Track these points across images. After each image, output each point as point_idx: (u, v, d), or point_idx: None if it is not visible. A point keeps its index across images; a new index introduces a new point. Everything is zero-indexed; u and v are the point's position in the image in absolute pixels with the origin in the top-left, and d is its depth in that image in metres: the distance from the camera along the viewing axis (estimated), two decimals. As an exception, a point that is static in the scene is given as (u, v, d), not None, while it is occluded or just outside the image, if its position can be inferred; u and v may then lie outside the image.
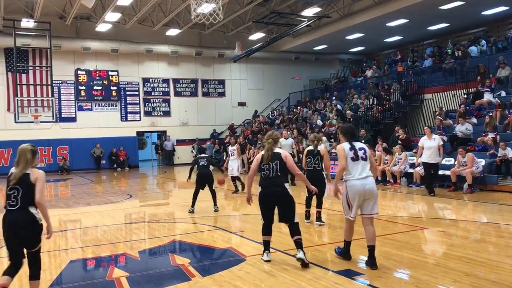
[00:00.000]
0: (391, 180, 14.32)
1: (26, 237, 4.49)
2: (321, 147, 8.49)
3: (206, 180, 10.36)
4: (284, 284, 5.13)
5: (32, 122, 22.47)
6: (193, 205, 10.26)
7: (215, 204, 10.43)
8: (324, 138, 15.12)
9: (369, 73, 26.50)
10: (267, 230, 6.06)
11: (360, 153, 5.69)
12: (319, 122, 21.99)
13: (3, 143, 23.35)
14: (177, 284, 5.32)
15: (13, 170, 4.65)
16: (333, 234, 7.79)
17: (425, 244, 6.76)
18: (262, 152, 6.11)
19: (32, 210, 4.51)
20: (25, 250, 4.56)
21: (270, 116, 28.44)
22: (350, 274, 5.37)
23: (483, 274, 5.29)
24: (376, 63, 27.70)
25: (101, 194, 15.45)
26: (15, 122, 23.02)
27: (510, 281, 4.97)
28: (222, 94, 29.72)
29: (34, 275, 4.59)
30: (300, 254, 5.66)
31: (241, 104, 30.25)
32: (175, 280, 5.48)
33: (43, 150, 24.21)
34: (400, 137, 15.73)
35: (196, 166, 10.50)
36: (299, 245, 5.76)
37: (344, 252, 5.99)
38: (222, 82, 29.68)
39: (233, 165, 13.46)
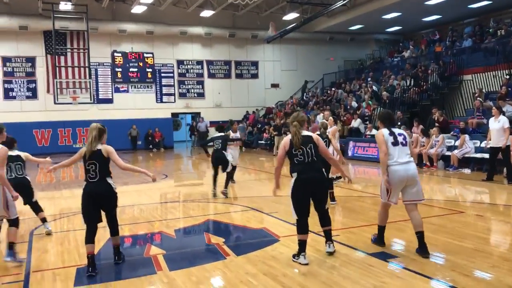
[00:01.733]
0: (428, 163, 14.05)
1: (106, 203, 5.36)
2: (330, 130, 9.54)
3: (219, 163, 10.24)
4: (317, 264, 5.16)
5: (71, 103, 23.11)
6: (214, 187, 10.22)
7: (225, 187, 10.07)
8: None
9: (406, 53, 25.86)
10: (304, 226, 5.34)
11: (400, 139, 5.51)
12: (354, 104, 21.70)
13: (44, 124, 24.17)
14: (212, 262, 5.43)
15: (85, 147, 5.30)
16: (366, 216, 7.74)
17: (461, 228, 6.64)
18: (289, 137, 5.46)
19: (109, 180, 5.34)
20: (103, 215, 5.44)
21: (304, 98, 28.24)
22: (384, 256, 5.34)
23: (522, 259, 5.17)
24: (414, 43, 26.96)
25: (138, 174, 15.78)
26: (55, 103, 23.68)
27: (551, 267, 4.84)
28: (255, 76, 29.66)
29: (114, 231, 5.54)
30: (330, 248, 5.51)
31: (274, 85, 30.13)
32: (210, 259, 5.59)
33: (81, 130, 24.85)
34: (437, 119, 15.36)
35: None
36: (329, 236, 5.56)
37: (379, 239, 5.82)
38: (255, 64, 29.59)
39: (235, 154, 11.62)
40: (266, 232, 6.84)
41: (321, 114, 21.01)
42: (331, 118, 11.96)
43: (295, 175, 5.35)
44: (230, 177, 10.51)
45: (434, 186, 11.42)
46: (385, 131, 5.57)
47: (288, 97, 29.28)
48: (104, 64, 25.85)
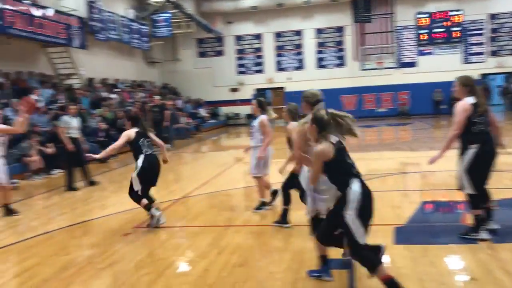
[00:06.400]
0: None
1: None
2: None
3: None
4: None
5: (376, 69, 23.87)
6: None
7: None
8: None
9: None
10: (484, 197, 5.05)
11: None
12: None
13: (350, 90, 25.74)
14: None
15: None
16: None
17: None
18: (472, 101, 4.82)
19: None
20: None
21: None
22: None
23: None
24: None
25: (442, 139, 15.27)
26: (361, 69, 24.91)
27: None
28: None
29: None
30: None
31: None
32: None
33: (384, 95, 25.54)
34: None
35: None
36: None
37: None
38: None
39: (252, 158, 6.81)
40: None
41: None
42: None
43: (476, 146, 4.79)
44: None
45: None
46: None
47: None
48: (408, 27, 25.48)
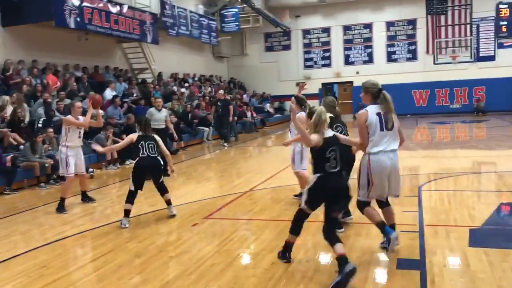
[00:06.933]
0: None
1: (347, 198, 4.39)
2: None
3: None
4: None
5: (450, 63, 22.78)
6: None
7: None
8: None
9: None
10: None
11: None
12: None
13: (422, 84, 24.75)
14: None
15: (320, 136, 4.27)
16: None
17: None
18: None
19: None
20: None
21: None
22: None
23: None
24: None
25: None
26: (434, 63, 23.85)
27: None
28: None
29: None
30: None
31: None
32: None
33: (459, 91, 24.37)
34: None
35: None
36: None
37: None
38: None
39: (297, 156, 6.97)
40: None
41: None
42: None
43: None
44: None
45: None
46: None
47: None
48: (487, 18, 24.06)
